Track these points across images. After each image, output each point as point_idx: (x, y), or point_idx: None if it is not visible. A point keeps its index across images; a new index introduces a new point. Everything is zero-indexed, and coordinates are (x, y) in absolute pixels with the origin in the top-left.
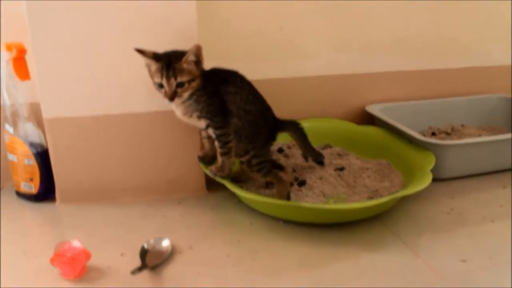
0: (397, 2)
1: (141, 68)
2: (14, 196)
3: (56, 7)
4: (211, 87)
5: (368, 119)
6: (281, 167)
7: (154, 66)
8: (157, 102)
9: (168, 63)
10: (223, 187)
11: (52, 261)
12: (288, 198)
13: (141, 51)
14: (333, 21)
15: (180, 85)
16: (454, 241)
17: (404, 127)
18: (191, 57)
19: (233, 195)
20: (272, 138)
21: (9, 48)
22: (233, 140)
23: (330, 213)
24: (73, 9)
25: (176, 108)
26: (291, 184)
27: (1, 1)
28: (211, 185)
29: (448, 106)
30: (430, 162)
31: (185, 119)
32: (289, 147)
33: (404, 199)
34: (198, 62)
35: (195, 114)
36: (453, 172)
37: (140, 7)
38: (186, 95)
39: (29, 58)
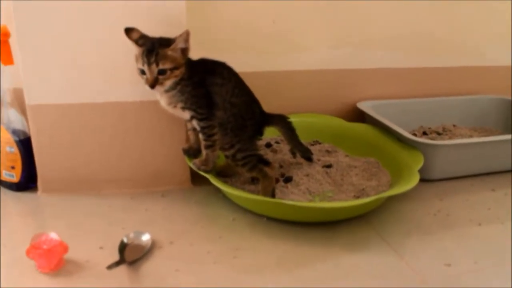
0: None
1: (127, 56)
2: None
3: None
4: (197, 77)
5: (359, 116)
6: (267, 162)
7: (136, 50)
8: (142, 91)
9: (151, 48)
10: (208, 181)
11: (28, 253)
12: (273, 195)
13: (128, 31)
14: (327, 16)
15: (162, 72)
16: (440, 243)
17: (395, 125)
18: (180, 44)
19: (217, 189)
20: (259, 132)
21: None
22: (218, 133)
23: (314, 211)
24: None
25: (161, 98)
26: (277, 180)
27: None
28: (196, 178)
29: (441, 106)
30: (418, 162)
31: (170, 109)
32: (277, 142)
33: (391, 199)
34: (185, 49)
35: (179, 105)
36: (442, 173)
37: None
38: (168, 83)
39: (13, 42)
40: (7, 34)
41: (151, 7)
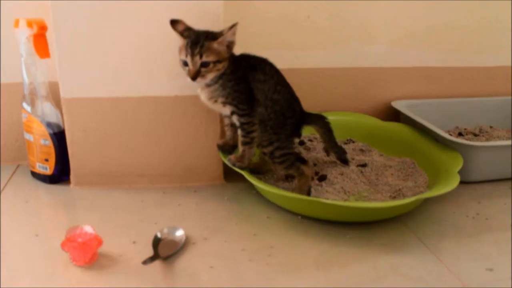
0: None
1: (163, 51)
2: (29, 176)
3: None
4: (240, 72)
5: (394, 115)
6: (304, 161)
7: (181, 42)
8: (178, 86)
9: (196, 40)
10: (240, 178)
11: (63, 245)
12: (308, 193)
13: (173, 23)
14: (362, 12)
15: (204, 64)
16: (479, 247)
17: (431, 125)
18: (229, 37)
19: (250, 186)
20: (298, 130)
21: (30, 24)
22: (257, 130)
23: (351, 211)
24: None
25: (201, 92)
26: (311, 179)
27: None
28: (229, 175)
29: (477, 106)
30: (457, 163)
31: (210, 104)
32: (310, 140)
33: (427, 201)
34: (231, 43)
35: (220, 100)
36: (480, 175)
37: None
38: (210, 76)
39: (49, 35)
40: (44, 28)
41: (189, 2)
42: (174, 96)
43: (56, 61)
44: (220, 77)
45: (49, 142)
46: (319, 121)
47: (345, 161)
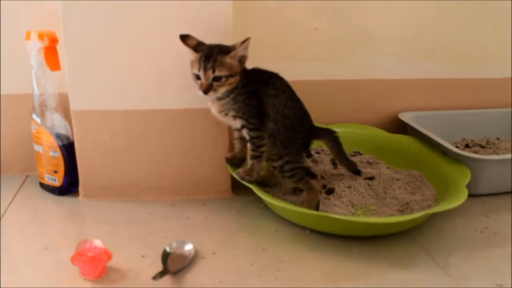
0: (436, 7)
1: (172, 64)
2: (38, 187)
3: None
4: (251, 87)
5: (401, 127)
6: (313, 175)
7: (193, 56)
8: (187, 99)
9: (209, 54)
10: (248, 191)
11: (73, 259)
12: (317, 207)
13: (184, 38)
14: (369, 24)
15: (217, 78)
16: (489, 262)
17: (438, 138)
18: (241, 52)
19: (258, 199)
20: (308, 144)
21: (41, 37)
22: (267, 144)
23: (359, 225)
24: (107, 2)
25: (212, 105)
26: (319, 192)
27: None
28: (237, 188)
29: (484, 118)
30: (465, 177)
31: (220, 117)
32: (317, 152)
33: (435, 214)
34: (243, 57)
35: (231, 113)
36: (489, 188)
37: (174, 3)
38: (222, 90)
39: (60, 48)
40: (55, 40)
41: (198, 15)
42: (183, 109)
43: (67, 73)
44: (231, 91)
45: (58, 154)
46: (328, 135)
47: (357, 172)
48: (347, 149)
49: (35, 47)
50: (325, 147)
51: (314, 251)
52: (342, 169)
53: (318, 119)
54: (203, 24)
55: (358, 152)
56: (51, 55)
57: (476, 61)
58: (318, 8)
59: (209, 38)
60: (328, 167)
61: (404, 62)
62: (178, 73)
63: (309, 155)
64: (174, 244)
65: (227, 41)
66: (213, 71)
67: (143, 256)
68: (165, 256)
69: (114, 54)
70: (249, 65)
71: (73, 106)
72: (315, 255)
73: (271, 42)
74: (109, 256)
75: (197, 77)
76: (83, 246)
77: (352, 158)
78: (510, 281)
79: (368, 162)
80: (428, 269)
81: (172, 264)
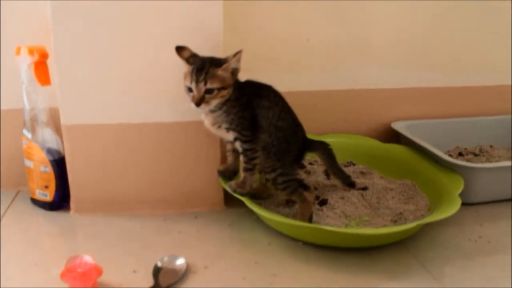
0: (427, 16)
1: (163, 77)
2: (29, 203)
3: (80, 12)
4: (244, 99)
5: (394, 136)
6: (306, 187)
7: (186, 68)
8: (178, 112)
9: (201, 67)
10: (241, 203)
11: (63, 276)
12: (310, 219)
13: (179, 49)
14: (360, 34)
15: (209, 91)
16: (483, 272)
17: (431, 146)
18: (233, 64)
19: (251, 211)
20: (301, 157)
21: (31, 52)
22: (260, 157)
23: (352, 237)
24: (98, 16)
25: (205, 118)
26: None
27: (26, 4)
28: (229, 200)
29: (477, 126)
30: (458, 186)
31: (214, 130)
32: (311, 163)
33: (429, 224)
34: (235, 70)
35: (224, 126)
36: (482, 196)
37: (165, 15)
38: (214, 103)
39: (50, 62)
40: (45, 55)
41: (189, 28)
42: (175, 122)
43: (57, 88)
44: (224, 103)
45: (49, 169)
46: (321, 147)
47: (351, 185)
48: (340, 159)
49: (25, 62)
50: (318, 158)
51: (307, 263)
52: (335, 180)
53: (311, 130)
54: (194, 37)
55: (351, 162)
56: (41, 70)
57: (468, 69)
58: (309, 19)
59: (200, 51)
60: (321, 178)
61: (396, 71)
62: (169, 86)
63: (302, 166)
64: (166, 259)
65: (218, 54)
66: (205, 84)
67: (134, 272)
68: (156, 271)
69: (105, 68)
70: (241, 77)
71: (64, 121)
72: (308, 267)
73: (263, 54)
74: (99, 272)
75: (190, 90)
76: (73, 262)
77: (345, 168)
78: None
79: (361, 172)
80: (422, 279)
81: (164, 279)
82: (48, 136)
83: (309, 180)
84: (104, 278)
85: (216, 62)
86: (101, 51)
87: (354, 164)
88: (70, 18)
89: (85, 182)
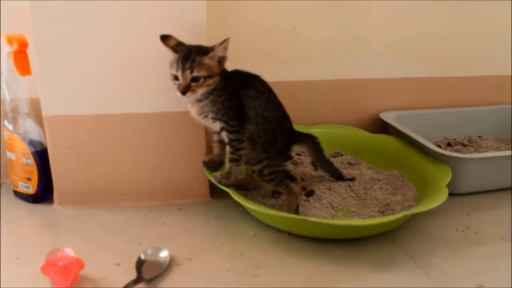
0: (415, 5)
1: (147, 67)
2: (12, 195)
3: (60, 0)
4: (231, 89)
5: (382, 127)
6: (293, 178)
7: (172, 56)
8: (162, 102)
9: (187, 55)
10: (227, 195)
11: (43, 269)
12: (296, 211)
13: (164, 38)
14: (349, 23)
15: (195, 79)
16: (470, 262)
17: (419, 137)
18: (220, 52)
19: (237, 202)
20: (288, 148)
21: (10, 41)
22: (246, 148)
23: (339, 228)
24: (78, 4)
25: (192, 107)
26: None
27: None
28: (215, 192)
29: (466, 116)
30: (445, 176)
31: (200, 119)
32: (298, 154)
33: (416, 215)
34: (222, 58)
35: (211, 115)
36: (470, 187)
37: (146, 4)
38: (200, 91)
39: (30, 52)
40: (24, 44)
41: (171, 17)
42: (158, 112)
43: (38, 77)
44: (210, 92)
45: (31, 161)
46: (309, 140)
47: (340, 178)
48: (328, 150)
49: (4, 51)
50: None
51: (292, 255)
52: (322, 171)
53: (299, 120)
54: (176, 26)
55: (339, 153)
56: (21, 59)
57: (457, 60)
58: (296, 8)
59: (183, 40)
60: (309, 168)
61: (384, 62)
62: (152, 76)
63: (290, 157)
64: (149, 251)
65: (202, 43)
66: (191, 72)
67: (117, 264)
68: (140, 264)
69: (86, 58)
70: (228, 67)
71: (45, 112)
72: (294, 259)
73: (250, 44)
74: (81, 265)
75: (175, 78)
76: (54, 255)
77: (333, 159)
78: (490, 281)
79: (349, 163)
80: (409, 270)
81: (147, 272)
82: (29, 127)
83: (296, 171)
84: (87, 271)
85: (203, 50)
86: (81, 40)
87: (342, 155)
88: (49, 6)
89: (69, 174)
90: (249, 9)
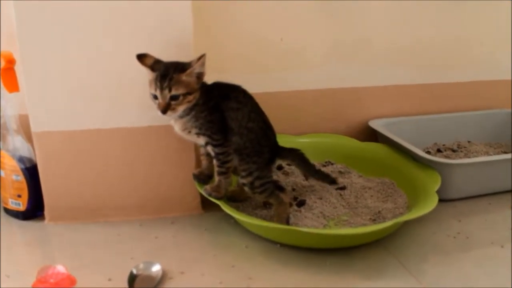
0: (401, 14)
1: (133, 81)
2: (3, 212)
3: (46, 16)
4: (212, 102)
5: (371, 134)
6: (282, 188)
7: (150, 75)
8: (150, 116)
9: (165, 73)
10: (219, 207)
11: (34, 286)
12: (287, 221)
13: (141, 57)
14: (336, 32)
15: (174, 97)
16: (461, 268)
17: (408, 144)
18: (197, 69)
19: (229, 215)
20: (272, 161)
21: None
22: (233, 160)
23: (330, 238)
24: (64, 19)
25: (175, 123)
26: (290, 205)
27: None
28: (207, 204)
29: (454, 122)
30: (435, 182)
31: (184, 135)
32: (288, 164)
33: (407, 222)
34: (200, 74)
35: (194, 131)
36: (460, 192)
37: (134, 18)
38: (180, 109)
39: (18, 68)
40: (12, 61)
41: (158, 29)
42: (147, 126)
43: (26, 94)
44: (192, 108)
45: (21, 178)
46: (292, 154)
47: (333, 182)
48: (318, 159)
49: None
50: None
51: (285, 265)
52: (313, 181)
53: (288, 130)
54: (163, 39)
55: (330, 162)
56: (8, 76)
57: (444, 66)
58: (283, 18)
59: (170, 53)
60: (299, 178)
61: (372, 70)
62: (140, 90)
63: (280, 167)
64: (141, 266)
65: (189, 55)
66: (170, 90)
67: (109, 280)
68: (132, 279)
69: (73, 74)
70: (214, 78)
71: (34, 128)
72: (285, 269)
73: (236, 54)
74: (72, 282)
75: (155, 97)
76: (45, 272)
77: (324, 168)
78: (481, 286)
79: (340, 172)
80: (400, 278)
81: (139, 286)
82: (19, 144)
83: (287, 181)
84: (79, 286)
85: (180, 68)
86: (68, 56)
87: (332, 164)
88: (36, 22)
89: (59, 190)
90: (236, 20)
